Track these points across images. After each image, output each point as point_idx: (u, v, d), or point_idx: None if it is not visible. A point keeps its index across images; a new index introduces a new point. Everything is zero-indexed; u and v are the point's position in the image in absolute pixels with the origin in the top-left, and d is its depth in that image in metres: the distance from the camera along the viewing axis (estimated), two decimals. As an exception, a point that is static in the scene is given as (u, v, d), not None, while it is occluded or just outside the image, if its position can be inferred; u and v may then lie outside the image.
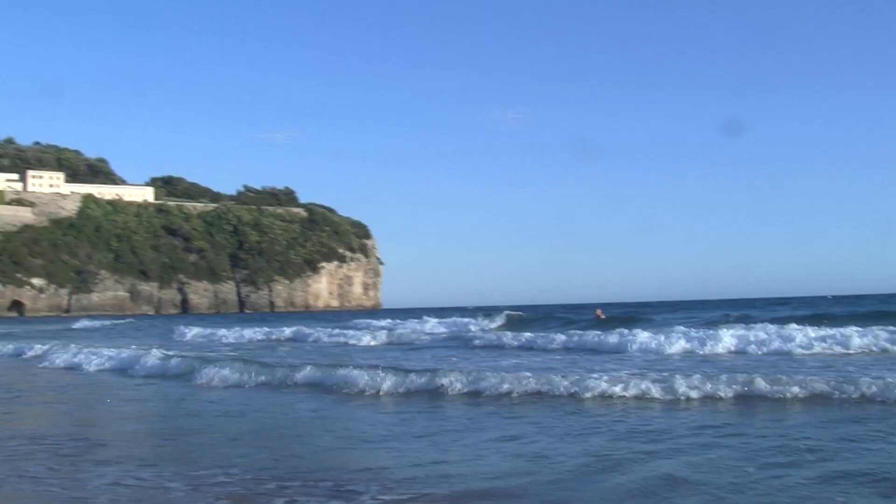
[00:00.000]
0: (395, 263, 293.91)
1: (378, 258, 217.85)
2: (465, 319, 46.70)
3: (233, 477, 8.80)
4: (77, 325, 75.16)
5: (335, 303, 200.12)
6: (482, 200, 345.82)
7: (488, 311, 56.51)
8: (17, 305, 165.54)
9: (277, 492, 8.12)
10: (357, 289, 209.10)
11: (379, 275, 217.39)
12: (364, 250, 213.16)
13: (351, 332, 39.92)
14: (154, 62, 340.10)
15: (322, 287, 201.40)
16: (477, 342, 32.02)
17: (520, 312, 54.42)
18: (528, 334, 33.04)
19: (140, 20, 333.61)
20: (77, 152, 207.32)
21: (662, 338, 25.88)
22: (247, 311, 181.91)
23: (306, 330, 42.38)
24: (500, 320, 47.31)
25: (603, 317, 48.75)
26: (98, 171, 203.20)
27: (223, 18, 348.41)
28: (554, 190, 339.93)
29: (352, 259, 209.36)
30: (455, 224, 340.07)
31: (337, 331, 40.81)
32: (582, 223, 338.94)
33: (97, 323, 78.01)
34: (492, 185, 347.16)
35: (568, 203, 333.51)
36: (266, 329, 45.00)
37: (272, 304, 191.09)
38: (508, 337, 32.15)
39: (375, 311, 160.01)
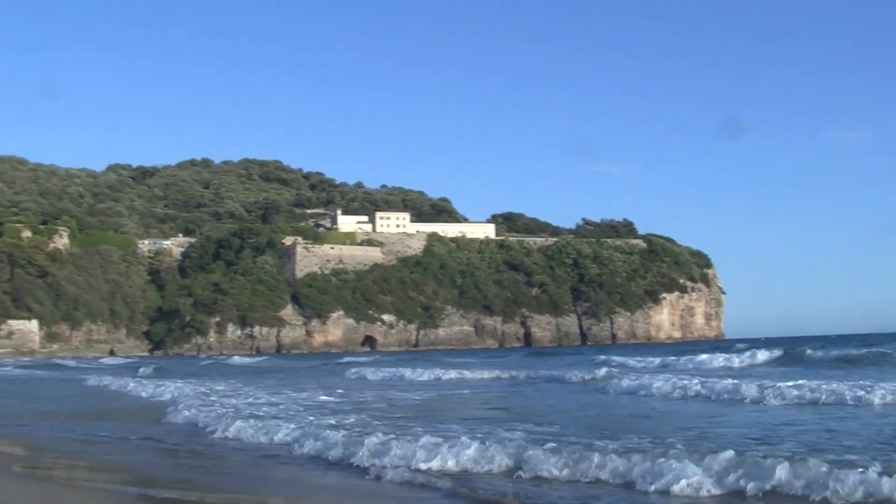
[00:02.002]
0: (737, 293, 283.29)
1: (720, 287, 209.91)
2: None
3: None
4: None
5: (677, 334, 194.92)
6: (827, 224, 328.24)
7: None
8: (369, 341, 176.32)
9: None
10: (699, 319, 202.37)
11: (721, 304, 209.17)
12: (705, 280, 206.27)
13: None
14: (495, 106, 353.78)
15: (664, 318, 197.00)
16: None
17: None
18: (796, 381, 24.01)
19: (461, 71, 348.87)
20: (421, 193, 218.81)
21: None
22: (588, 344, 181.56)
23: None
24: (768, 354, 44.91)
25: None
26: (441, 210, 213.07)
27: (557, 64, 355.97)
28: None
29: (693, 289, 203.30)
30: (801, 249, 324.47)
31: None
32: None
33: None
34: (837, 209, 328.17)
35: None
36: (443, 372, 44.43)
37: (614, 336, 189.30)
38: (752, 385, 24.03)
39: (719, 342, 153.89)
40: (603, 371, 36.49)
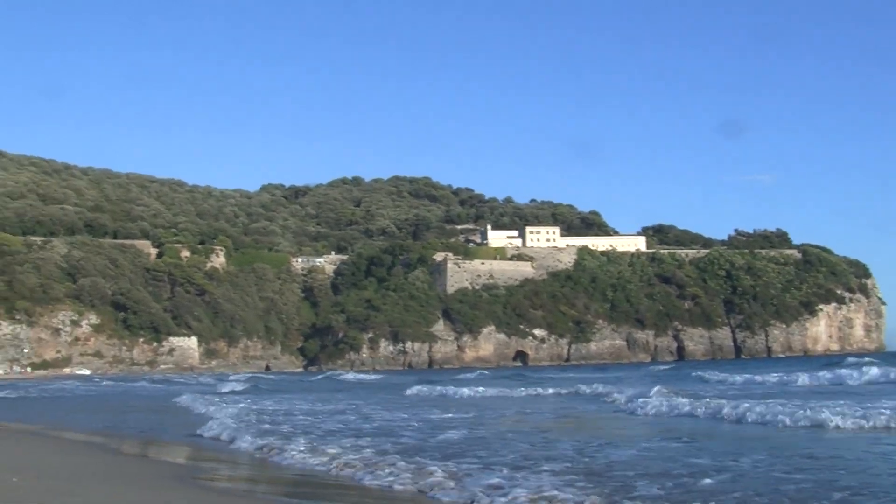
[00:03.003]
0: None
1: (879, 298, 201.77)
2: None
3: None
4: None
5: (835, 346, 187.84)
6: None
7: None
8: (520, 355, 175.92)
9: None
10: (858, 331, 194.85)
11: (881, 315, 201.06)
12: (864, 290, 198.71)
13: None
14: (645, 118, 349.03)
15: (820, 330, 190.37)
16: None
17: None
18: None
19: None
20: (571, 206, 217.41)
21: None
22: (743, 357, 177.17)
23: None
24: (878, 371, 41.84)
25: None
26: (591, 224, 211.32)
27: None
28: None
29: (851, 300, 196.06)
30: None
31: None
32: None
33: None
34: None
35: None
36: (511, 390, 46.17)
37: (769, 349, 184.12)
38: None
39: (878, 354, 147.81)
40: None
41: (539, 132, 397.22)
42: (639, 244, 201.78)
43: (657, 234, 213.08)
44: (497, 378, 76.02)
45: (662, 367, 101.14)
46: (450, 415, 30.12)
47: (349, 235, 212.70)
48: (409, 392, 48.49)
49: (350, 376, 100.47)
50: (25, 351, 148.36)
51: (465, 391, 44.58)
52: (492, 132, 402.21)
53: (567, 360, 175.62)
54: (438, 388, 49.68)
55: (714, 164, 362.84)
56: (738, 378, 48.15)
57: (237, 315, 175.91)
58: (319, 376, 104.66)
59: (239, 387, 63.41)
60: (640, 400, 30.12)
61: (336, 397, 47.04)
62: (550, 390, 44.71)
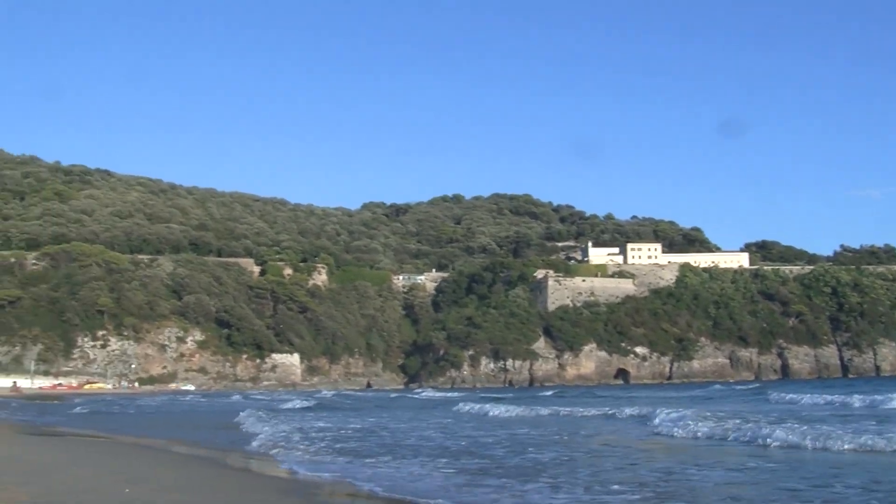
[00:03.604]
0: None
1: None
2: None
3: None
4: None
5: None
6: None
7: None
8: (622, 373, 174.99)
9: None
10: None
11: None
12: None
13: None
14: (748, 137, 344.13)
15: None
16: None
17: None
18: None
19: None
20: (672, 223, 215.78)
21: None
22: (850, 377, 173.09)
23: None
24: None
25: None
26: (693, 240, 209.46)
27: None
28: None
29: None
30: None
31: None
32: None
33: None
34: None
35: None
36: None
37: (877, 368, 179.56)
38: None
39: None
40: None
41: (637, 150, 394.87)
42: (742, 261, 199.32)
43: (760, 250, 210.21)
44: (569, 397, 77.42)
45: (740, 388, 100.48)
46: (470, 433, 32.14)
47: (450, 253, 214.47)
48: (455, 408, 50.85)
49: (426, 394, 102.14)
50: (133, 367, 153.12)
51: (499, 410, 45.25)
52: (592, 150, 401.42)
53: (669, 378, 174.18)
54: (477, 406, 50.90)
55: (820, 180, 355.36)
56: (810, 399, 48.70)
57: (339, 332, 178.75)
58: (394, 395, 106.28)
59: (299, 404, 65.04)
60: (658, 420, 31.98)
61: (379, 414, 49.86)
62: (593, 411, 44.96)
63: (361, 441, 28.99)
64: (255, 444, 28.92)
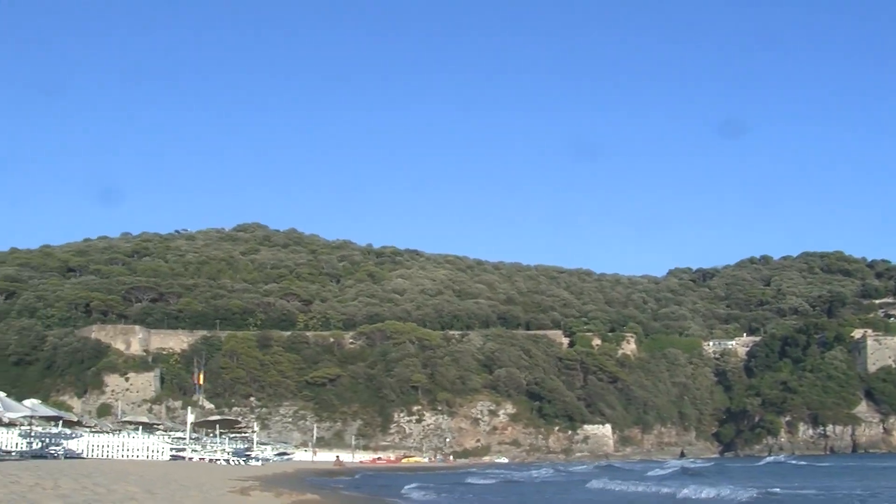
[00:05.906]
0: None
1: None
2: None
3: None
4: None
5: None
6: None
7: None
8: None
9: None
10: None
11: None
12: None
13: None
14: None
15: None
16: None
17: None
18: None
19: None
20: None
21: None
22: None
23: None
24: None
25: None
26: None
27: None
28: None
29: None
30: None
31: None
32: None
33: None
34: None
35: None
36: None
37: None
38: None
39: None
40: None
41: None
42: None
43: None
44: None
45: None
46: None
47: (760, 316, 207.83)
48: (587, 485, 48.27)
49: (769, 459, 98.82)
50: (447, 440, 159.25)
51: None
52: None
53: None
54: (617, 482, 48.52)
55: None
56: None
57: (650, 401, 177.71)
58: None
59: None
60: None
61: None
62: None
63: None
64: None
